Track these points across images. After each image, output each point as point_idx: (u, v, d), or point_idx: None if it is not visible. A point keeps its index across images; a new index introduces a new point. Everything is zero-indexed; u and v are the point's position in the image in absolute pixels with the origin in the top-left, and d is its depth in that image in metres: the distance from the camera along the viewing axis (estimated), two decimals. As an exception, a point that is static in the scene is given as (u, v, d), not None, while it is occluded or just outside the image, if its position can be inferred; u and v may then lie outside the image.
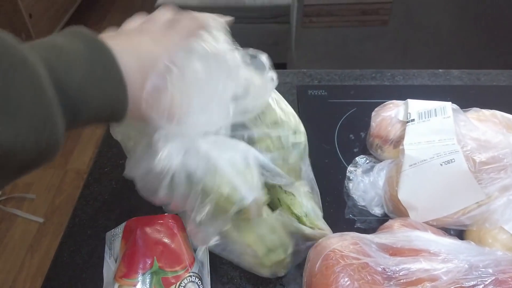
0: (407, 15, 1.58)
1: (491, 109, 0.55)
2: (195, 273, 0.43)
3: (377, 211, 0.52)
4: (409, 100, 0.54)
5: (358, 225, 0.52)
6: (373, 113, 0.58)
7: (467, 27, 1.60)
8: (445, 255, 0.39)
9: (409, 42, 1.67)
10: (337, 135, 0.63)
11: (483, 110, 0.54)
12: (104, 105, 0.29)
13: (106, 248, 0.48)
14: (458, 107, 0.51)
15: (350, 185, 0.55)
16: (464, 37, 1.63)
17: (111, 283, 0.43)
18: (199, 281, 0.43)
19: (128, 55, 0.30)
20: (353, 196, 0.54)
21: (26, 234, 1.49)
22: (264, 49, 0.47)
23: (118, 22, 0.38)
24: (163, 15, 0.39)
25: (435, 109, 0.50)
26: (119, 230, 0.48)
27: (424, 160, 0.46)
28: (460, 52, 1.67)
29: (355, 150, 0.61)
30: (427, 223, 0.47)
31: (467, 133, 0.47)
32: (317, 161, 0.59)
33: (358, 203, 0.54)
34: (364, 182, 0.54)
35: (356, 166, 0.57)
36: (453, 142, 0.46)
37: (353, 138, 0.62)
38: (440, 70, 0.75)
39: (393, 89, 0.71)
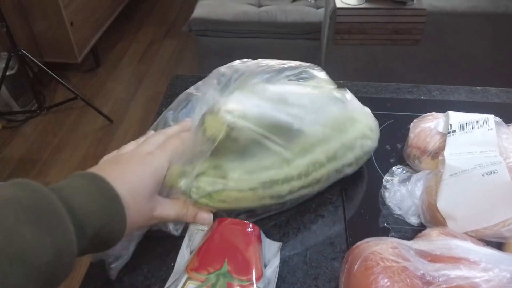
0: (439, 36, 1.57)
1: (532, 126, 0.55)
2: None
3: (413, 220, 0.53)
4: (450, 112, 0.55)
5: (392, 234, 0.52)
6: (411, 124, 0.59)
7: (500, 48, 1.58)
8: (486, 264, 0.39)
9: (440, 62, 1.66)
10: (373, 145, 0.63)
11: (524, 125, 0.54)
12: (105, 224, 0.39)
13: (186, 238, 0.49)
14: (501, 120, 0.51)
15: (386, 194, 0.55)
16: (497, 59, 1.61)
17: (181, 272, 0.43)
18: None
19: (122, 187, 0.41)
20: (389, 204, 0.54)
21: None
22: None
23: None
24: (154, 138, 0.48)
25: (477, 121, 0.50)
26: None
27: (465, 170, 0.46)
28: (492, 74, 1.65)
29: (391, 160, 0.61)
30: (465, 233, 0.47)
31: (509, 146, 0.47)
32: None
33: (394, 212, 0.54)
34: (401, 192, 0.54)
35: (392, 176, 0.57)
36: (495, 154, 0.46)
37: (389, 148, 0.63)
38: (478, 88, 0.75)
39: (430, 103, 0.72)
